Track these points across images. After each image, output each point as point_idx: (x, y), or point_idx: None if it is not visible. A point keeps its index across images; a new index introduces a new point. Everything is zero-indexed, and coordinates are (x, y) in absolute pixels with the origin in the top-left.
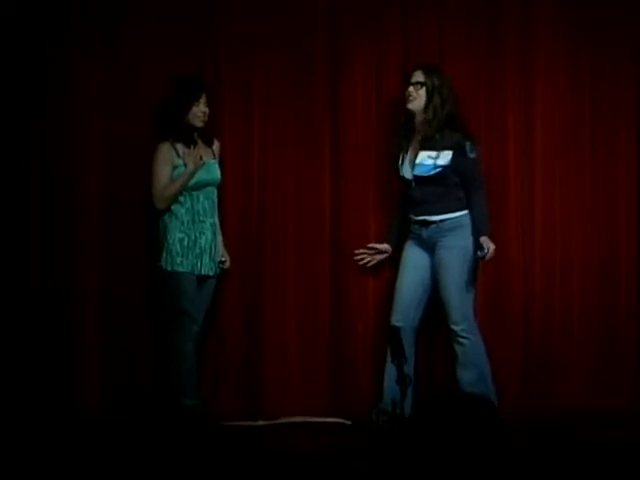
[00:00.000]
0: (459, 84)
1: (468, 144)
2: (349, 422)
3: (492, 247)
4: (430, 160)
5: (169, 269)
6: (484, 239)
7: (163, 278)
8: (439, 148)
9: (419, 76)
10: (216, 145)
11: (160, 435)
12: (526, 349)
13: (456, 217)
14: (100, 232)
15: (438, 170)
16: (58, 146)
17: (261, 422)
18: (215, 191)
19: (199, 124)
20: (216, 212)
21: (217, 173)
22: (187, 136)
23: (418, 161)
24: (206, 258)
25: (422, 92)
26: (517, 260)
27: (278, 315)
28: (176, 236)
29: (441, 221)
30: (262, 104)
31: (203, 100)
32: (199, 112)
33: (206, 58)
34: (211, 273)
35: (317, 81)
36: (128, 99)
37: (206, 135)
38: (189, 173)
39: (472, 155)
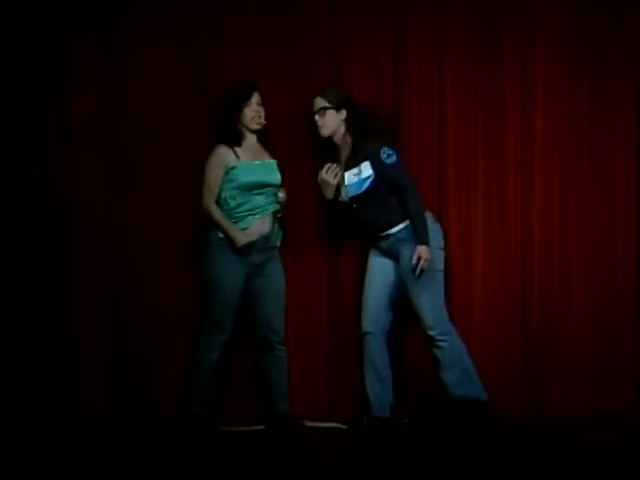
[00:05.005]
0: (459, 84)
1: (383, 150)
2: (345, 427)
3: (424, 256)
4: (355, 177)
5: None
6: (419, 248)
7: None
8: (358, 162)
9: (320, 102)
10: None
11: (159, 437)
12: (525, 351)
13: (408, 224)
14: (100, 232)
15: (367, 184)
16: (58, 146)
17: (260, 426)
18: (274, 190)
19: (254, 126)
20: (274, 208)
21: (276, 174)
22: (238, 138)
23: (346, 183)
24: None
25: (328, 116)
26: (516, 260)
27: None
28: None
29: (397, 232)
30: (262, 104)
31: (255, 100)
32: (251, 113)
33: (206, 58)
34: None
35: (317, 82)
36: (128, 99)
37: (264, 137)
38: (234, 235)
39: (389, 161)
